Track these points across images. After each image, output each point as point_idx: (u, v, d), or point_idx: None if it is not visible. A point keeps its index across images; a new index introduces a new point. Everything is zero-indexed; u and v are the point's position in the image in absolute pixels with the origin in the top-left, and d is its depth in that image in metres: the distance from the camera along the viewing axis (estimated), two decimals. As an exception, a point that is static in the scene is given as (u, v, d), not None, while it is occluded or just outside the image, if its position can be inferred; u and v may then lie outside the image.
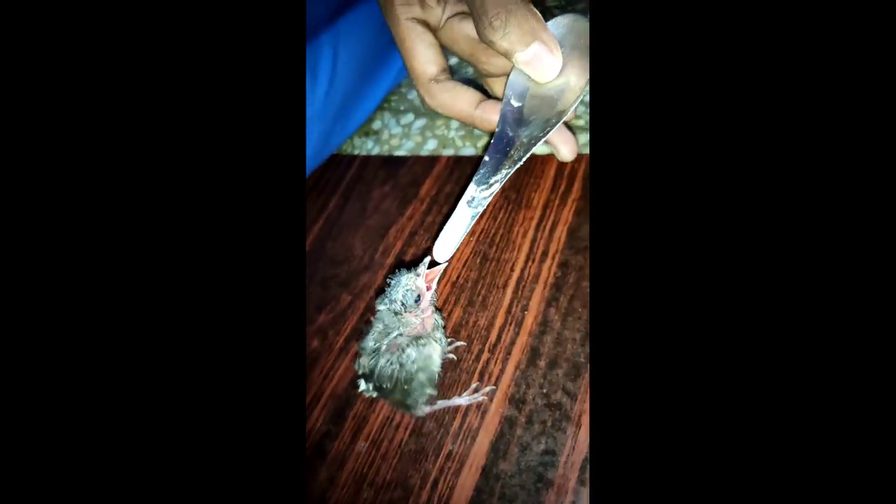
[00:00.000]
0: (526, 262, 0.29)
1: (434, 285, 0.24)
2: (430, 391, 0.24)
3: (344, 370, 0.29)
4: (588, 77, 0.23)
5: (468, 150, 0.39)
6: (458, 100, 0.27)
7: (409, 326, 0.24)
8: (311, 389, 0.29)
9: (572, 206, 0.30)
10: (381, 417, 0.26)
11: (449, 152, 0.40)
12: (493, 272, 0.29)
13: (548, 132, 0.23)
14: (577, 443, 0.21)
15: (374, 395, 0.25)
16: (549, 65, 0.22)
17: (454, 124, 0.43)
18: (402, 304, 0.23)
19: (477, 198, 0.24)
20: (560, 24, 0.24)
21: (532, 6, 0.23)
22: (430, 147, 0.42)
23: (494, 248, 0.31)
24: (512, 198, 0.33)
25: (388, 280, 0.24)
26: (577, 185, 0.31)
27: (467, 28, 0.26)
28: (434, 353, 0.24)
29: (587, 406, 0.22)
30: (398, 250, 0.34)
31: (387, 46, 0.48)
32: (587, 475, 0.20)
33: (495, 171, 0.24)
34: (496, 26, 0.22)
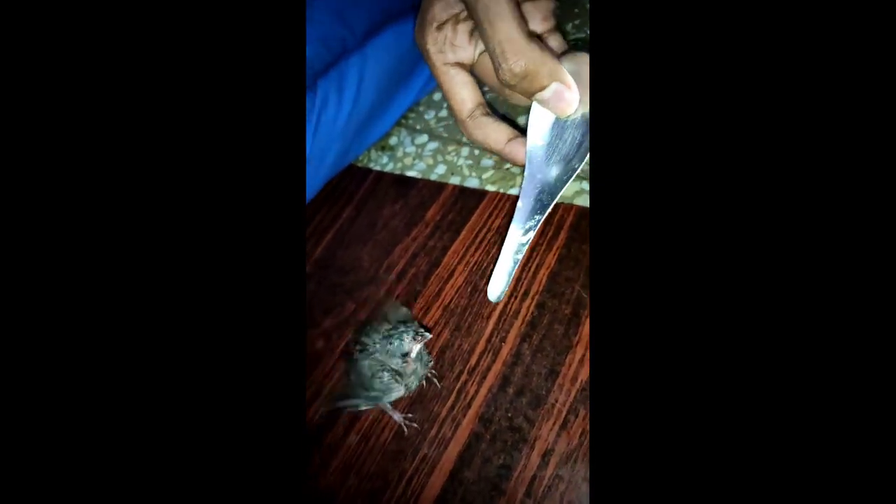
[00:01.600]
0: (510, 298, 0.33)
1: (420, 345, 0.29)
2: (364, 405, 0.30)
3: (339, 373, 0.34)
4: None
5: (473, 181, 0.43)
6: (489, 137, 0.29)
7: (394, 361, 0.29)
8: (312, 386, 0.34)
9: (556, 253, 0.34)
10: (372, 417, 0.31)
11: (456, 180, 0.44)
12: (481, 303, 0.34)
13: (572, 172, 0.25)
14: (529, 462, 0.26)
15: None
16: (567, 101, 0.24)
17: (464, 152, 0.47)
18: (392, 352, 0.28)
19: (519, 243, 0.26)
20: (572, 60, 0.25)
21: (546, 47, 0.25)
22: (439, 171, 0.46)
23: (484, 281, 0.35)
24: (504, 234, 0.37)
25: (392, 331, 0.29)
26: (562, 234, 0.35)
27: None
28: (395, 392, 0.29)
29: (541, 432, 0.27)
30: (400, 268, 0.38)
31: (410, 67, 0.51)
32: (532, 489, 0.25)
33: (530, 216, 0.26)
34: (516, 72, 0.24)
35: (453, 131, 0.49)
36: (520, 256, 0.26)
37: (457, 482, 0.27)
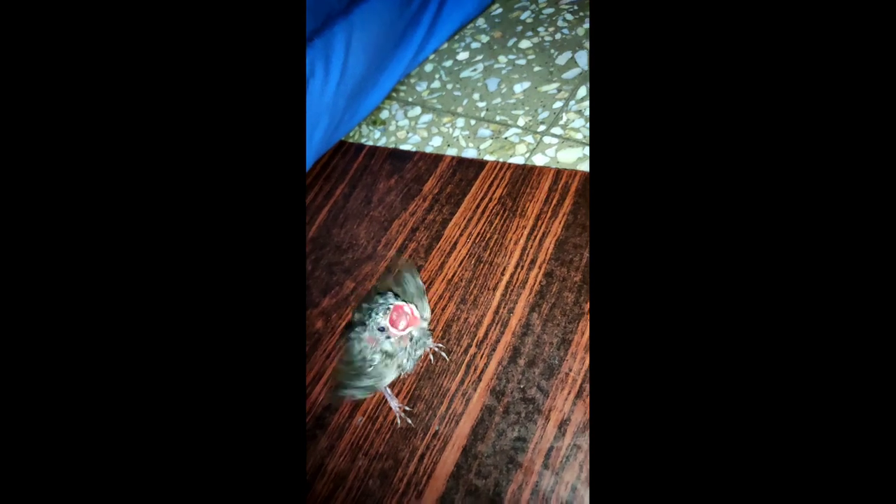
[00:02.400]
0: (516, 268, 0.32)
1: (403, 332, 0.27)
2: (360, 395, 0.29)
3: (342, 353, 0.32)
4: None
5: (471, 152, 0.41)
6: None
7: (381, 341, 0.27)
8: (314, 367, 0.33)
9: (563, 220, 0.33)
10: (377, 397, 0.30)
11: (453, 152, 0.42)
12: (486, 274, 0.32)
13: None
14: (545, 433, 0.25)
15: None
16: None
17: (459, 123, 0.45)
18: (371, 325, 0.27)
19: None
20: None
21: None
22: (435, 143, 0.44)
23: (488, 252, 0.33)
24: (508, 205, 0.35)
25: (371, 307, 0.27)
26: (568, 200, 0.33)
27: None
28: (386, 375, 0.28)
29: (556, 402, 0.26)
30: (399, 244, 0.37)
31: (399, 35, 0.49)
32: (550, 460, 0.24)
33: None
34: None
35: (448, 102, 0.47)
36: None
37: (471, 457, 0.26)
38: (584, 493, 0.23)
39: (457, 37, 0.53)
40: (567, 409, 0.26)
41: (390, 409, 0.29)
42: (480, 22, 0.53)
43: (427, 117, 0.47)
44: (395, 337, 0.26)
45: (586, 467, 0.24)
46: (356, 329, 0.28)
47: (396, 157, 0.43)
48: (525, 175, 0.36)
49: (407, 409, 0.28)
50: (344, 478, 0.27)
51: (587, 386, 0.26)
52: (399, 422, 0.28)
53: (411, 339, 0.27)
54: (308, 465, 0.28)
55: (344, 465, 0.28)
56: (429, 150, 0.43)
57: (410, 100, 0.49)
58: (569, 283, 0.30)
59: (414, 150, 0.44)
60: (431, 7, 0.48)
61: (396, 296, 0.29)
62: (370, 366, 0.27)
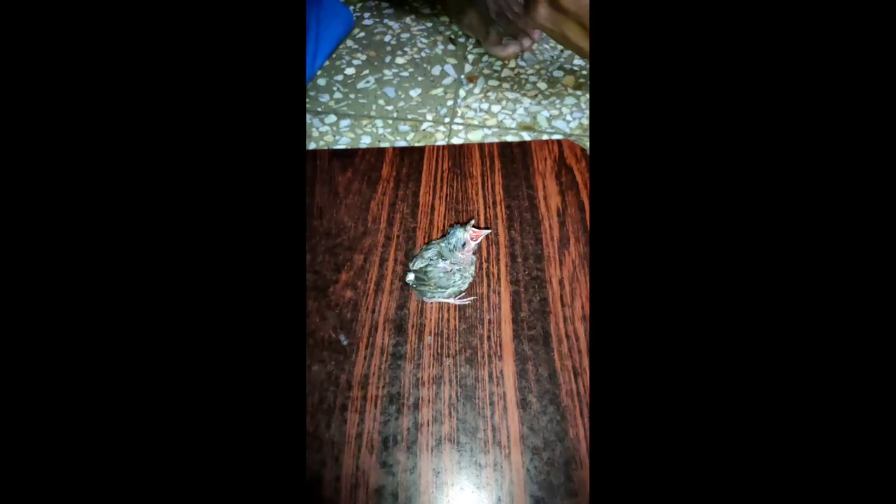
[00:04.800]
0: (485, 209, 0.46)
1: (478, 240, 0.39)
2: (448, 298, 0.39)
3: (385, 303, 0.40)
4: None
5: (401, 143, 0.52)
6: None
7: (456, 259, 0.38)
8: (367, 323, 0.39)
9: (499, 173, 0.48)
10: (433, 319, 0.39)
11: (385, 145, 0.52)
12: (466, 219, 0.45)
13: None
14: (553, 289, 0.40)
15: (413, 284, 0.39)
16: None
17: (379, 123, 0.55)
18: (454, 246, 0.37)
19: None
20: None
21: None
22: (366, 142, 0.53)
23: (460, 205, 0.46)
24: (457, 172, 0.49)
25: (447, 230, 0.38)
26: (496, 161, 0.49)
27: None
28: (465, 281, 0.39)
29: (552, 273, 0.41)
30: (386, 216, 0.45)
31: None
32: (564, 301, 0.40)
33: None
34: None
35: (358, 108, 0.56)
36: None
37: (519, 322, 0.39)
38: (587, 313, 0.39)
39: (335, 55, 0.62)
40: (558, 273, 0.41)
41: (448, 322, 0.39)
42: (350, 44, 0.64)
43: (346, 122, 0.55)
44: (471, 249, 0.37)
45: (586, 299, 0.40)
46: (432, 262, 0.37)
47: (341, 156, 0.50)
48: (458, 151, 0.50)
49: (471, 297, 0.40)
50: (441, 377, 0.36)
51: (558, 256, 0.42)
52: (468, 302, 0.39)
53: (472, 254, 0.38)
54: (403, 385, 0.36)
55: (435, 369, 0.36)
56: (363, 146, 0.52)
57: (319, 109, 0.56)
58: (522, 208, 0.46)
59: (351, 147, 0.52)
60: (313, 25, 0.56)
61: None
62: (452, 283, 0.37)
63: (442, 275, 0.38)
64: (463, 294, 0.40)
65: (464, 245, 0.38)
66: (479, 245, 0.42)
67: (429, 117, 0.55)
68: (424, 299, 0.40)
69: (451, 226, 0.39)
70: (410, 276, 0.40)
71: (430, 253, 0.39)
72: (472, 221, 0.39)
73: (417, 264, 0.39)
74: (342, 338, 0.38)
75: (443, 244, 0.38)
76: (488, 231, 0.40)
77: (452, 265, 0.38)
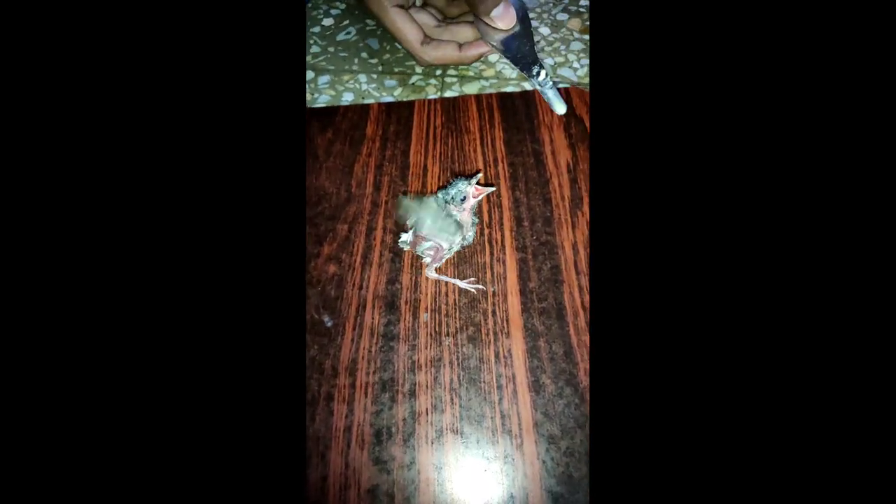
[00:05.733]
0: (485, 167, 0.40)
1: (479, 197, 0.33)
2: (447, 254, 0.34)
3: (374, 278, 0.35)
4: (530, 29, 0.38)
5: (387, 98, 0.46)
6: (446, 53, 0.42)
7: (452, 213, 0.33)
8: (353, 301, 0.34)
9: (499, 126, 0.43)
10: (430, 293, 0.34)
11: (370, 101, 0.46)
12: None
13: (531, 42, 0.39)
14: (566, 254, 0.35)
15: (407, 247, 0.35)
16: (511, 16, 0.37)
17: (362, 78, 0.49)
18: (453, 198, 0.32)
19: (540, 82, 0.40)
20: None
21: None
22: (348, 98, 0.47)
23: (457, 164, 0.41)
24: (452, 128, 0.43)
25: (450, 180, 0.33)
26: (496, 114, 0.43)
27: (424, 17, 0.43)
28: (467, 236, 0.34)
29: (561, 238, 0.36)
30: (372, 180, 0.40)
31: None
32: (578, 266, 0.35)
33: (529, 70, 0.40)
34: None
35: (339, 63, 0.50)
36: (550, 81, 0.40)
37: (527, 293, 0.34)
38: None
39: (310, 4, 0.55)
40: (571, 236, 0.36)
41: (447, 296, 0.34)
42: (329, -8, 0.57)
43: (325, 78, 0.49)
44: (471, 206, 0.32)
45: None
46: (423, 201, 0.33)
47: (320, 114, 0.45)
48: (452, 104, 0.44)
49: (473, 280, 0.34)
50: (440, 359, 0.31)
51: (570, 218, 0.37)
52: (475, 291, 0.34)
53: (472, 213, 0.33)
54: (396, 369, 0.31)
55: (433, 350, 0.32)
56: (344, 103, 0.46)
57: (295, 65, 0.50)
58: (527, 165, 0.40)
59: (332, 105, 0.46)
60: None
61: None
62: (443, 227, 0.32)
63: (434, 215, 0.33)
64: (473, 280, 0.35)
65: (463, 200, 0.33)
66: (480, 205, 0.37)
67: (418, 70, 0.49)
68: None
69: (454, 177, 0.34)
70: (403, 237, 0.35)
71: (423, 203, 0.33)
72: (479, 175, 0.34)
73: (412, 204, 0.34)
74: (326, 318, 0.33)
75: (440, 195, 0.33)
76: (492, 188, 0.34)
77: (448, 216, 0.33)
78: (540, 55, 0.49)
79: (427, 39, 0.42)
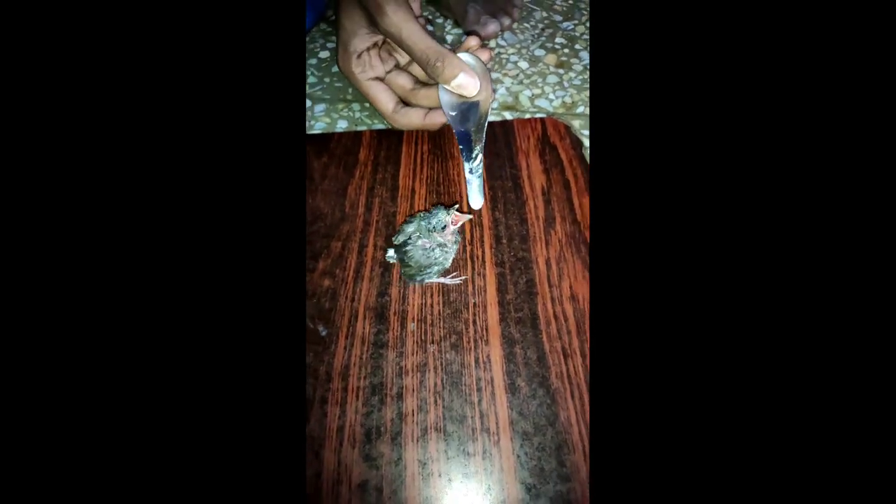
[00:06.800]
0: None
1: (458, 224, 0.37)
2: (434, 277, 0.38)
3: (365, 291, 0.38)
4: (491, 92, 0.41)
5: (379, 126, 0.50)
6: (412, 119, 0.45)
7: (436, 239, 0.36)
8: (346, 312, 0.37)
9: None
10: (416, 305, 0.37)
11: (363, 128, 0.50)
12: (449, 203, 0.43)
13: (484, 121, 0.40)
14: (540, 268, 0.39)
15: (395, 259, 0.38)
16: (473, 85, 0.39)
17: (356, 107, 0.53)
18: (434, 227, 0.36)
19: (472, 168, 0.39)
20: (470, 57, 0.41)
21: (453, 53, 0.39)
22: (342, 126, 0.51)
23: (442, 187, 0.44)
24: (438, 154, 0.47)
25: (431, 209, 0.37)
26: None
27: (402, 79, 0.45)
28: (447, 259, 0.37)
29: (535, 254, 0.40)
30: (364, 201, 0.43)
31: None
32: (551, 279, 0.38)
33: (470, 151, 0.40)
34: (438, 67, 0.39)
35: (334, 92, 0.54)
36: (481, 172, 0.40)
37: (505, 304, 0.37)
38: (583, 290, 0.38)
39: (308, 39, 0.59)
40: (545, 252, 0.40)
41: (432, 308, 0.37)
42: (324, 26, 0.61)
43: (321, 106, 0.52)
44: (451, 233, 0.35)
45: (577, 275, 0.38)
46: (410, 240, 0.35)
47: (316, 140, 0.48)
48: (439, 132, 0.48)
49: (455, 274, 0.38)
50: (425, 364, 0.34)
51: (544, 236, 0.41)
52: (460, 281, 0.38)
53: (454, 234, 0.36)
54: (385, 374, 0.34)
55: (419, 357, 0.35)
56: (339, 130, 0.50)
57: (293, 95, 0.53)
58: (506, 188, 0.44)
59: (327, 132, 0.49)
60: None
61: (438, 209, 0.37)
62: (434, 260, 0.35)
63: (421, 252, 0.36)
64: (455, 274, 0.38)
65: (444, 228, 0.36)
66: (462, 227, 0.41)
67: (407, 99, 0.53)
68: (411, 283, 0.38)
69: (435, 205, 0.37)
70: (391, 253, 0.38)
71: (410, 228, 0.37)
72: (457, 206, 0.38)
73: (399, 238, 0.37)
74: (321, 328, 0.36)
75: (423, 222, 0.36)
76: (470, 217, 0.38)
77: (432, 242, 0.36)
78: (517, 87, 0.53)
79: (397, 107, 0.45)
